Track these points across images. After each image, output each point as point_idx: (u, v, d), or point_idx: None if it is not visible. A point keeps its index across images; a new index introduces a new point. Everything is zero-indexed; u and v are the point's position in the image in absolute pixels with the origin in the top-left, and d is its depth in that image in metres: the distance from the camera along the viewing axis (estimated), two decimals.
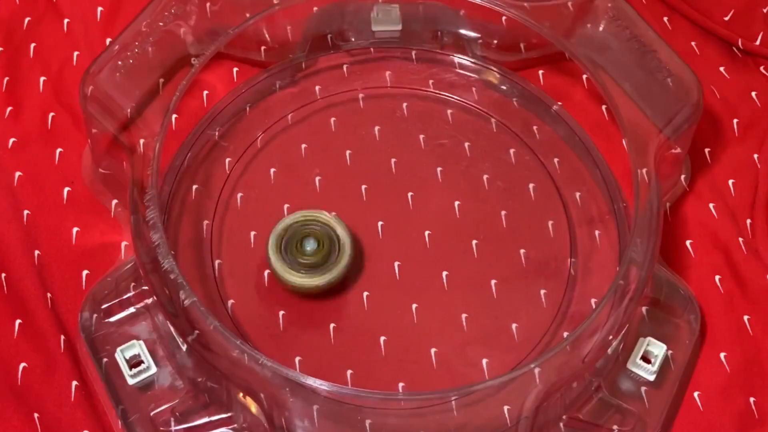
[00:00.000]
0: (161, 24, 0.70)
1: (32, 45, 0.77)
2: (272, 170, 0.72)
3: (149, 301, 0.63)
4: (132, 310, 0.64)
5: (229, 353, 0.58)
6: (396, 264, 0.68)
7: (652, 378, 0.62)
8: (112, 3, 0.79)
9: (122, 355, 0.61)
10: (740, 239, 0.70)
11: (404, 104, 0.75)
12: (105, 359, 0.62)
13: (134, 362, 0.62)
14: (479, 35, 0.78)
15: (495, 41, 0.78)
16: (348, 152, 0.73)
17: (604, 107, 0.76)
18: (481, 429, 0.61)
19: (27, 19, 0.78)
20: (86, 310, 0.63)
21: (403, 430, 0.61)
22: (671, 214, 0.71)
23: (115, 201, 0.69)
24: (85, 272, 0.67)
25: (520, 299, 0.67)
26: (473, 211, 0.71)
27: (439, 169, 0.72)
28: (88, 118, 0.67)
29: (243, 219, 0.70)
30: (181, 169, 0.71)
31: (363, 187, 0.71)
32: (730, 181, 0.73)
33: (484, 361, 0.65)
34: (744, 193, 0.73)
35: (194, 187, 0.71)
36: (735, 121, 0.76)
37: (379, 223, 0.70)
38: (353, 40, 0.78)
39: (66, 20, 0.79)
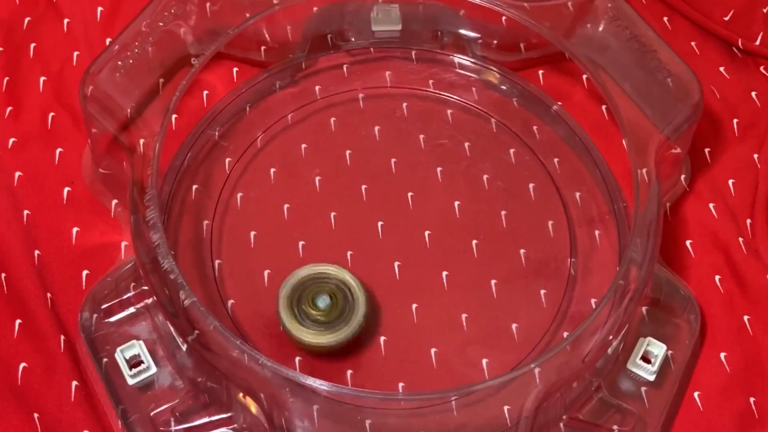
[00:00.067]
0: (161, 24, 0.70)
1: (32, 45, 0.77)
2: (272, 170, 0.72)
3: (149, 301, 0.63)
4: (132, 310, 0.64)
5: (229, 353, 0.58)
6: (396, 264, 0.68)
7: (652, 378, 0.62)
8: (112, 3, 0.79)
9: (122, 355, 0.61)
10: (740, 239, 0.70)
11: (404, 104, 0.75)
12: (105, 359, 0.62)
13: (134, 362, 0.61)
14: (479, 35, 0.78)
15: (495, 41, 0.78)
16: (348, 152, 0.73)
17: (604, 107, 0.76)
18: (481, 429, 0.61)
19: (27, 19, 0.78)
20: (86, 310, 0.63)
21: (403, 430, 0.61)
22: (671, 214, 0.71)
23: (115, 201, 0.69)
24: (85, 272, 0.67)
25: (520, 299, 0.67)
26: (473, 211, 0.71)
27: (439, 169, 0.72)
28: (88, 118, 0.67)
29: (243, 219, 0.70)
30: (181, 169, 0.71)
31: (363, 187, 0.71)
32: (730, 181, 0.73)
33: (484, 361, 0.65)
34: (744, 193, 0.73)
35: (194, 187, 0.71)
36: (735, 121, 0.76)
37: (379, 223, 0.70)
38: (353, 40, 0.78)
39: (66, 20, 0.79)
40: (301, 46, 0.77)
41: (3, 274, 0.66)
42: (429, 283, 0.68)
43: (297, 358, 0.64)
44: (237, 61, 0.77)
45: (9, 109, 0.73)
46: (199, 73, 0.70)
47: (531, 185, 0.72)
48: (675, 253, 0.70)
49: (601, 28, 0.73)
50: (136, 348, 0.62)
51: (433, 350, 0.65)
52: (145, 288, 0.63)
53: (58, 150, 0.72)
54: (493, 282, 0.68)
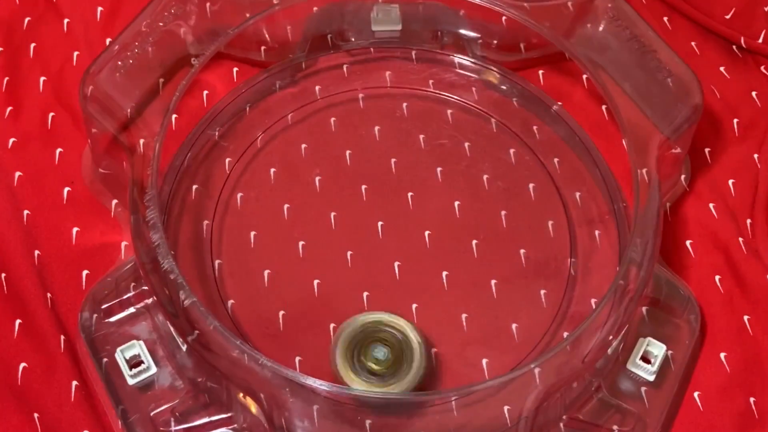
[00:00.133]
0: (161, 24, 0.70)
1: (32, 45, 0.77)
2: (272, 170, 0.72)
3: (149, 301, 0.63)
4: (132, 310, 0.64)
5: (229, 353, 0.58)
6: (396, 264, 0.68)
7: (651, 378, 0.62)
8: (112, 3, 0.79)
9: (122, 355, 0.61)
10: (740, 239, 0.70)
11: (404, 104, 0.75)
12: (105, 359, 0.62)
13: (134, 362, 0.61)
14: (479, 35, 0.78)
15: (495, 41, 0.78)
16: (348, 152, 0.73)
17: (604, 107, 0.76)
18: (481, 429, 0.61)
19: (27, 19, 0.78)
20: (86, 310, 0.63)
21: (403, 430, 0.61)
22: (671, 214, 0.71)
23: (115, 201, 0.69)
24: (85, 272, 0.67)
25: (520, 299, 0.67)
26: (473, 211, 0.71)
27: (439, 169, 0.72)
28: (88, 118, 0.67)
29: (243, 219, 0.70)
30: (181, 169, 0.71)
31: (363, 187, 0.71)
32: (730, 181, 0.73)
33: (484, 361, 0.65)
34: (744, 193, 0.73)
35: (194, 187, 0.71)
36: (735, 121, 0.76)
37: (379, 223, 0.70)
38: (353, 40, 0.78)
39: (66, 20, 0.79)
40: (301, 46, 0.77)
41: (3, 274, 0.66)
42: (429, 283, 0.68)
43: (297, 358, 0.64)
44: (237, 61, 0.77)
45: (9, 109, 0.73)
46: (199, 73, 0.70)
47: (531, 185, 0.72)
48: (675, 253, 0.70)
49: (601, 28, 0.73)
50: (136, 348, 0.62)
51: (433, 350, 0.65)
52: (145, 288, 0.63)
53: (58, 150, 0.72)
54: (493, 282, 0.68)
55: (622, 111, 0.68)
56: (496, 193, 0.72)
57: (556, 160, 0.73)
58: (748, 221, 0.71)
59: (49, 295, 0.66)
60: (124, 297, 0.64)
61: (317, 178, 0.72)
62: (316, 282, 0.67)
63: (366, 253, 0.69)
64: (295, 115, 0.75)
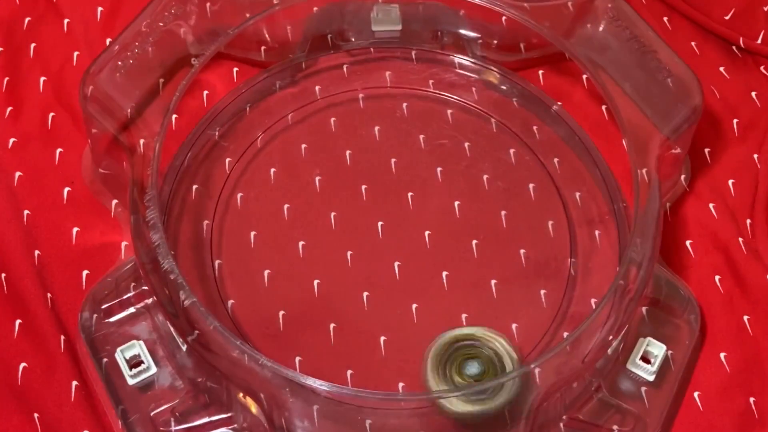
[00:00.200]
0: (161, 24, 0.70)
1: (32, 45, 0.77)
2: (272, 170, 0.72)
3: (149, 301, 0.63)
4: (132, 310, 0.64)
5: (229, 353, 0.58)
6: (396, 264, 0.68)
7: (651, 378, 0.62)
8: (112, 3, 0.79)
9: (122, 355, 0.61)
10: (740, 239, 0.70)
11: (404, 104, 0.75)
12: (105, 359, 0.62)
13: (134, 362, 0.62)
14: (479, 35, 0.78)
15: (495, 41, 0.78)
16: (348, 152, 0.73)
17: (604, 107, 0.76)
18: (481, 429, 0.61)
19: (27, 19, 0.78)
20: (86, 310, 0.63)
21: (403, 431, 0.61)
22: (671, 214, 0.71)
23: (115, 201, 0.69)
24: (85, 272, 0.67)
25: (520, 299, 0.67)
26: (473, 211, 0.71)
27: (439, 169, 0.72)
28: (88, 118, 0.67)
29: (243, 219, 0.70)
30: (181, 169, 0.71)
31: (363, 187, 0.71)
32: (730, 181, 0.73)
33: None
34: (744, 193, 0.73)
35: (194, 187, 0.71)
36: (735, 121, 0.76)
37: (379, 223, 0.70)
38: (353, 40, 0.78)
39: (66, 20, 0.79)
40: (301, 46, 0.77)
41: (3, 274, 0.66)
42: (429, 283, 0.68)
43: (297, 358, 0.64)
44: (237, 61, 0.77)
45: (9, 109, 0.73)
46: (199, 73, 0.70)
47: (531, 185, 0.72)
48: (675, 253, 0.70)
49: (601, 29, 0.73)
50: (136, 348, 0.62)
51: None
52: (145, 288, 0.63)
53: (58, 150, 0.72)
54: (493, 282, 0.68)
55: (622, 111, 0.68)
56: (496, 193, 0.72)
57: (556, 160, 0.73)
58: (748, 221, 0.71)
59: (49, 295, 0.66)
60: (124, 297, 0.64)
61: (317, 178, 0.72)
62: (316, 282, 0.67)
63: (366, 253, 0.69)
64: (295, 115, 0.75)
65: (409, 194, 0.71)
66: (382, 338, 0.65)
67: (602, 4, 0.73)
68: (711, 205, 0.72)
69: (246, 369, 0.58)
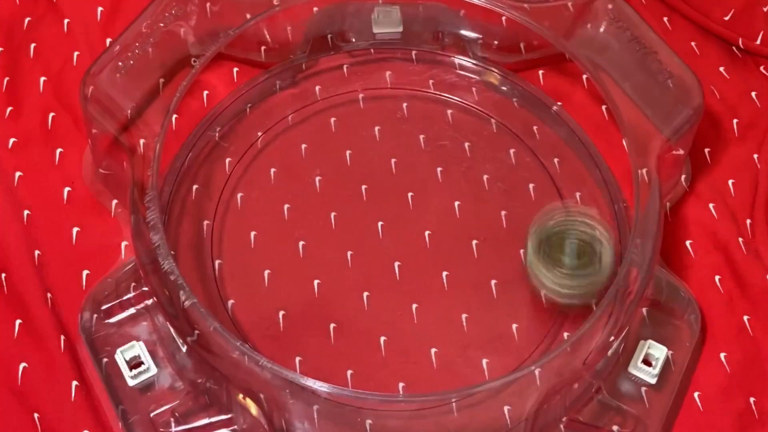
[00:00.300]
0: (162, 25, 0.70)
1: (32, 45, 0.77)
2: (272, 170, 0.72)
3: (149, 302, 0.63)
4: (132, 311, 0.64)
5: (229, 354, 0.58)
6: (396, 264, 0.68)
7: (653, 381, 0.62)
8: (112, 3, 0.79)
9: (122, 356, 0.61)
10: (740, 239, 0.70)
11: (404, 105, 0.75)
12: (105, 360, 0.62)
13: (134, 363, 0.62)
14: (480, 36, 0.78)
15: (495, 42, 0.78)
16: (348, 152, 0.73)
17: (604, 108, 0.76)
18: (481, 430, 0.61)
19: (27, 19, 0.78)
20: (86, 311, 0.64)
21: (403, 431, 0.61)
22: (671, 214, 0.71)
23: (115, 201, 0.69)
24: (85, 272, 0.67)
25: (520, 300, 0.67)
26: (473, 211, 0.71)
27: (439, 169, 0.72)
28: (89, 118, 0.67)
29: (243, 219, 0.70)
30: (182, 170, 0.71)
31: (363, 187, 0.71)
32: (730, 181, 0.73)
33: (485, 361, 0.65)
34: (744, 193, 0.73)
35: (195, 187, 0.71)
36: (735, 121, 0.76)
37: (379, 223, 0.70)
38: (354, 40, 0.78)
39: (66, 20, 0.78)
40: (302, 46, 0.77)
41: (3, 274, 0.66)
42: (429, 283, 0.68)
43: (297, 359, 0.64)
44: (237, 61, 0.77)
45: (9, 109, 0.73)
46: (199, 73, 0.70)
47: (531, 185, 0.72)
48: (675, 254, 0.70)
49: (601, 30, 0.73)
50: (137, 349, 0.62)
51: (433, 351, 0.65)
52: (146, 289, 0.63)
53: (58, 150, 0.72)
54: (493, 282, 0.68)
55: (623, 112, 0.68)
56: (497, 194, 0.72)
57: (556, 160, 0.73)
58: (748, 221, 0.71)
59: (49, 295, 0.66)
60: (125, 298, 0.64)
61: (317, 179, 0.72)
62: (316, 282, 0.67)
63: (366, 253, 0.69)
64: (295, 116, 0.75)
65: (409, 194, 0.71)
66: (382, 338, 0.65)
67: (602, 5, 0.73)
68: (711, 205, 0.72)
69: (246, 370, 0.58)
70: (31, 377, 0.63)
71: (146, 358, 0.62)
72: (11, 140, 0.72)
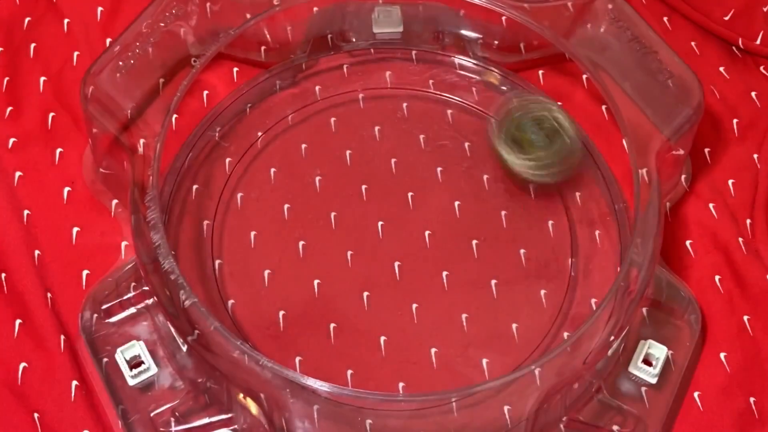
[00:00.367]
0: (162, 24, 0.70)
1: (32, 45, 0.77)
2: (272, 170, 0.72)
3: (150, 301, 0.63)
4: (132, 310, 0.64)
5: (229, 354, 0.58)
6: (396, 264, 0.68)
7: (654, 381, 0.62)
8: (112, 3, 0.79)
9: (122, 355, 0.61)
10: (740, 239, 0.70)
11: (404, 105, 0.75)
12: (105, 359, 0.62)
13: (134, 363, 0.62)
14: (480, 36, 0.78)
15: (495, 42, 0.78)
16: (348, 152, 0.73)
17: (604, 108, 0.76)
18: (481, 430, 0.61)
19: (27, 19, 0.78)
20: (87, 310, 0.64)
21: (403, 431, 0.61)
22: (671, 214, 0.71)
23: (115, 201, 0.69)
24: (85, 272, 0.67)
25: (520, 300, 0.67)
26: (473, 211, 0.71)
27: (439, 169, 0.72)
28: (89, 118, 0.67)
29: (243, 219, 0.70)
30: (182, 170, 0.71)
31: (363, 187, 0.71)
32: (730, 181, 0.73)
33: (485, 361, 0.65)
34: (744, 193, 0.73)
35: (195, 187, 0.71)
36: (735, 121, 0.76)
37: (379, 223, 0.70)
38: (354, 40, 0.78)
39: (66, 20, 0.78)
40: (302, 46, 0.77)
41: (3, 274, 0.66)
42: (429, 283, 0.68)
43: (297, 358, 0.64)
44: (238, 61, 0.77)
45: (9, 109, 0.73)
46: (199, 73, 0.70)
47: (531, 186, 0.72)
48: (675, 254, 0.70)
49: (602, 30, 0.73)
50: (137, 348, 0.62)
51: (433, 350, 0.65)
52: (146, 288, 0.63)
53: (59, 150, 0.72)
54: (493, 282, 0.68)
55: (623, 111, 0.68)
56: (497, 194, 0.72)
57: None
58: (748, 221, 0.71)
59: (49, 295, 0.66)
60: (125, 297, 0.64)
61: (317, 178, 0.72)
62: (316, 282, 0.67)
63: (366, 253, 0.69)
64: (295, 116, 0.75)
65: (409, 194, 0.71)
66: (382, 338, 0.65)
67: (603, 4, 0.73)
68: (711, 205, 0.72)
69: (246, 369, 0.58)
70: (31, 377, 0.63)
71: (146, 357, 0.62)
72: (11, 140, 0.72)
